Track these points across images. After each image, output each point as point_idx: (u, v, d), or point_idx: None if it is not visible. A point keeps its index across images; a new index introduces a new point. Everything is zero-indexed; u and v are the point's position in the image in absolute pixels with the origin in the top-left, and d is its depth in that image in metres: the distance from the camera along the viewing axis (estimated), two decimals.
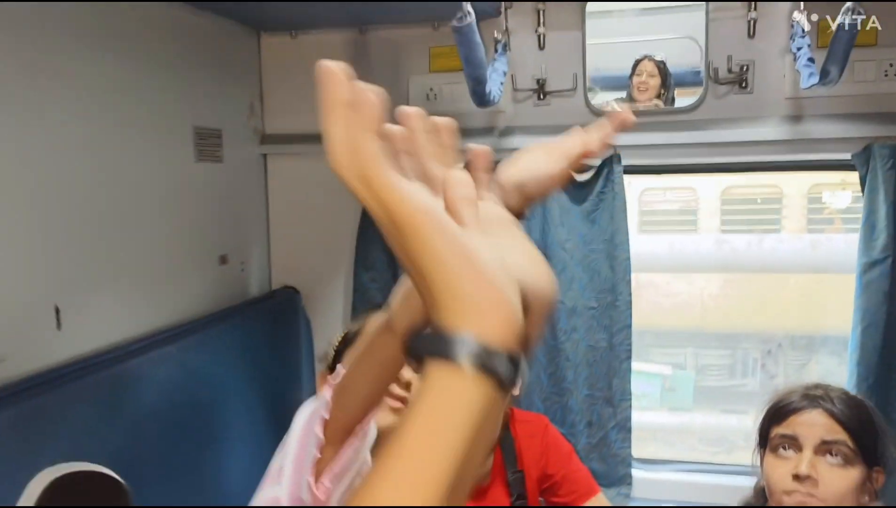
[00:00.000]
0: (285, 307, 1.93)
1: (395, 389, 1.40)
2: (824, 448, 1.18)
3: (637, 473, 1.94)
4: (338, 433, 0.92)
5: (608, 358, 1.88)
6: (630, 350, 1.88)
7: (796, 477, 1.19)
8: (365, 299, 1.98)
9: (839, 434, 1.18)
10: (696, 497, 1.93)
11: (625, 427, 1.89)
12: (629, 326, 1.86)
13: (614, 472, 1.89)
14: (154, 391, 1.35)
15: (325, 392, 0.93)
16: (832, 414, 1.19)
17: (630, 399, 1.89)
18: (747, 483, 1.95)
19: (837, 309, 2.49)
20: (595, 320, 1.88)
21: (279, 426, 1.04)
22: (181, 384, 1.43)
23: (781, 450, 1.23)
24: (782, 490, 1.21)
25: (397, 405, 1.40)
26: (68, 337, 1.27)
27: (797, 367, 3.63)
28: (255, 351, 1.70)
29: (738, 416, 3.48)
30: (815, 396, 1.23)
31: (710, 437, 3.45)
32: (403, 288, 0.72)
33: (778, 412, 1.26)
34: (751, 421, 2.78)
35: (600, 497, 1.56)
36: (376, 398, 0.92)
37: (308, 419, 0.99)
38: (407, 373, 1.43)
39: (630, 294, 1.85)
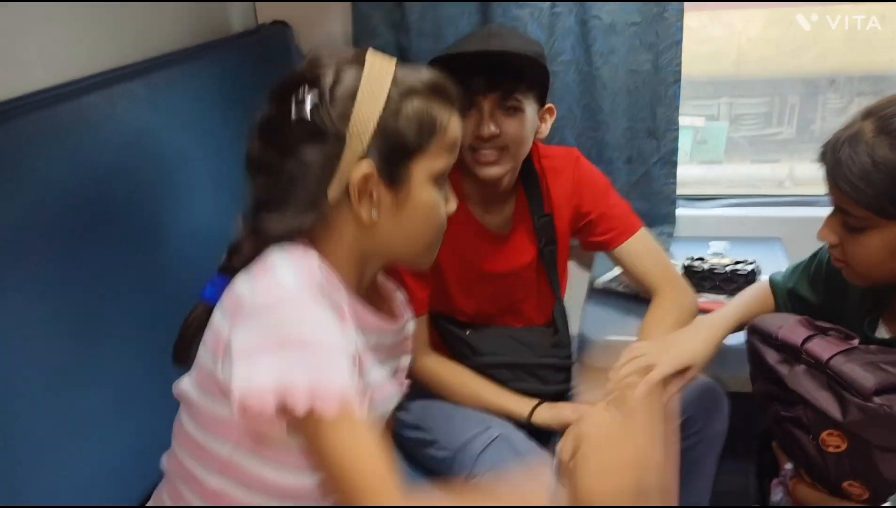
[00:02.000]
0: (274, 44, 1.65)
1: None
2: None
3: (680, 211, 1.77)
4: None
5: (652, 83, 1.62)
6: (679, 72, 1.60)
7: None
8: (368, 31, 1.69)
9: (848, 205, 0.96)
10: (741, 232, 1.78)
11: (669, 161, 1.67)
12: (679, 42, 1.57)
13: (657, 210, 1.71)
14: (119, 134, 1.12)
15: None
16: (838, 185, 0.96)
17: (677, 130, 1.65)
18: (795, 214, 1.80)
19: (885, 46, 2.21)
20: (638, 37, 1.58)
21: None
22: (151, 128, 1.20)
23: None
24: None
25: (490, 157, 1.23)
26: (2, 73, 1.04)
27: (836, 111, 3.40)
28: (239, 93, 1.44)
29: (770, 165, 3.35)
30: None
31: (740, 187, 3.36)
32: None
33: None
34: (785, 169, 2.59)
35: (643, 234, 1.38)
36: None
37: None
38: (491, 126, 1.20)
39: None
